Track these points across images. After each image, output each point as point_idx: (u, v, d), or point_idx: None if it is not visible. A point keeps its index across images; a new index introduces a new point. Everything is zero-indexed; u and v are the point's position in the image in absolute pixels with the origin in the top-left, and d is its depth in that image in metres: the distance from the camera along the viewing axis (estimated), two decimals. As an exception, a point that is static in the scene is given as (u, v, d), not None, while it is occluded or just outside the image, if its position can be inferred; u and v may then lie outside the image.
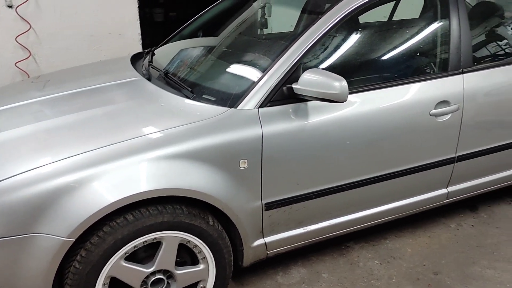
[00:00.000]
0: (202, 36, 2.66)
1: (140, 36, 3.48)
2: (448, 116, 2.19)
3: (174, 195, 1.75)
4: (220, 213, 1.88)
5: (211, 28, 2.67)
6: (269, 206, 1.96)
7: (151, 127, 1.81)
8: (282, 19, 2.63)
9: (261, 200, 1.93)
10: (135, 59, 2.62)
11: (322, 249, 2.45)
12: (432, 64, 2.29)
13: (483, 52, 2.59)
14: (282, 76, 1.91)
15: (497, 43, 2.68)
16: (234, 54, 2.29)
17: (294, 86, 1.90)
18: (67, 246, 1.63)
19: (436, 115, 2.16)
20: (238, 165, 1.84)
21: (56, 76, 2.62)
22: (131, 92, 2.14)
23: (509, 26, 2.81)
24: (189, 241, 1.84)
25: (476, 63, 2.34)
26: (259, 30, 2.52)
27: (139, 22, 3.44)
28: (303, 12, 2.44)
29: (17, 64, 3.21)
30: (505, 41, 2.70)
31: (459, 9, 2.24)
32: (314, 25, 2.01)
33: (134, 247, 1.75)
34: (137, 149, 1.72)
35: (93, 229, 1.68)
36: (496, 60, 2.53)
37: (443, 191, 2.40)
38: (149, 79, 2.22)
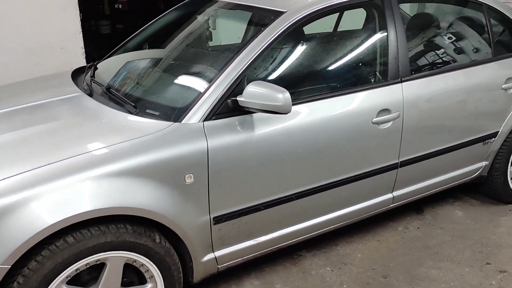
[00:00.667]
0: (147, 49, 2.62)
1: (84, 50, 3.37)
2: (390, 123, 2.27)
3: (117, 214, 1.70)
4: (168, 229, 1.84)
5: (156, 41, 2.64)
6: (218, 219, 1.94)
7: (91, 144, 1.75)
8: (230, 31, 2.64)
9: (209, 214, 1.91)
10: (77, 74, 2.54)
11: (275, 259, 2.46)
12: (373, 73, 2.38)
13: (423, 61, 2.71)
14: (226, 89, 1.91)
15: (435, 52, 2.81)
16: (179, 67, 2.27)
17: (238, 98, 1.90)
18: (1, 274, 1.54)
19: (378, 123, 2.23)
20: (184, 180, 1.81)
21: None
22: (71, 109, 2.07)
23: (446, 36, 2.96)
24: (135, 261, 1.79)
25: (415, 72, 2.45)
26: (204, 42, 2.51)
27: (81, 35, 3.34)
28: (249, 24, 2.46)
29: (-50, 81, 3.03)
30: (443, 50, 2.84)
31: (396, 21, 2.34)
32: (257, 37, 2.04)
33: (76, 270, 1.68)
34: (76, 168, 1.66)
35: (31, 254, 1.60)
36: (434, 68, 2.65)
37: (389, 196, 2.47)
38: (90, 94, 2.16)
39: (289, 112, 1.86)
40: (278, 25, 2.07)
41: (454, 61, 2.74)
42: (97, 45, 3.16)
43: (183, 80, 2.12)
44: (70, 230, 1.65)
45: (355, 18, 2.81)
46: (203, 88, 1.93)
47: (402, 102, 2.30)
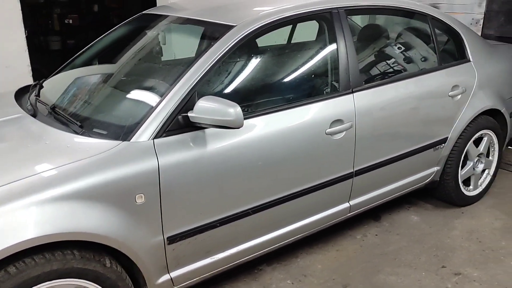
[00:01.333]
0: (95, 65, 2.54)
1: (30, 67, 3.24)
2: (343, 133, 2.29)
3: (64, 239, 1.62)
4: (120, 252, 1.77)
5: (105, 57, 2.56)
6: (172, 239, 1.88)
7: (33, 168, 1.66)
8: (183, 46, 2.61)
9: (163, 234, 1.86)
10: (22, 93, 2.43)
11: (235, 275, 2.42)
12: (325, 85, 2.40)
13: (373, 71, 2.78)
14: (177, 105, 1.87)
15: (385, 62, 2.89)
16: (128, 83, 2.21)
17: (189, 114, 1.87)
18: None
19: (331, 134, 2.25)
20: (134, 201, 1.75)
21: None
22: (12, 132, 1.97)
23: (395, 46, 3.05)
24: (85, 287, 1.71)
25: (365, 82, 2.49)
26: (155, 58, 2.46)
27: (27, 53, 3.21)
28: (201, 38, 2.44)
29: None
30: (392, 60, 2.92)
31: (345, 33, 2.38)
32: (207, 52, 2.01)
33: (21, 302, 1.58)
34: (17, 193, 1.57)
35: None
36: (385, 78, 2.72)
37: (346, 205, 2.49)
38: (34, 115, 2.06)
39: (241, 126, 1.84)
40: (228, 39, 2.05)
41: (404, 70, 2.82)
42: (47, 62, 3.03)
43: (132, 97, 2.06)
44: (12, 260, 1.55)
45: (310, 30, 2.85)
46: (152, 105, 1.89)
47: (354, 112, 2.33)
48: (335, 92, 2.33)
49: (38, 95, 2.29)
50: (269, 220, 2.19)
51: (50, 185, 1.61)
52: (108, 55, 2.58)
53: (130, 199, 1.74)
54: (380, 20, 3.37)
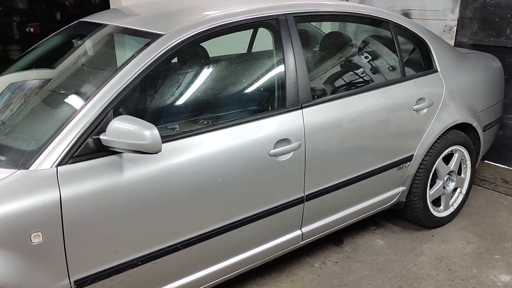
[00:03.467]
0: (16, 77, 2.28)
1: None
2: (290, 154, 2.05)
3: None
4: (17, 300, 1.50)
5: (29, 69, 2.31)
6: (81, 283, 1.62)
7: None
8: (118, 57, 2.36)
9: (69, 278, 1.59)
10: None
11: (174, 314, 2.15)
12: (270, 101, 2.16)
13: (330, 83, 2.54)
14: (87, 126, 1.62)
15: (347, 73, 2.66)
16: (43, 100, 1.95)
17: (101, 137, 1.62)
18: None
19: (276, 155, 2.01)
20: (30, 240, 1.49)
21: None
22: None
23: (362, 55, 2.83)
24: None
25: (319, 96, 2.26)
26: (79, 72, 2.21)
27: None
28: (133, 49, 2.18)
29: None
30: (355, 70, 2.69)
31: (293, 43, 2.14)
32: (128, 64, 1.77)
33: None
34: None
35: None
36: (343, 90, 2.49)
37: (297, 232, 2.25)
38: None
39: (159, 151, 1.60)
40: (154, 50, 1.81)
41: (366, 82, 2.59)
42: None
43: (41, 116, 1.81)
44: None
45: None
46: (60, 126, 1.63)
47: (303, 130, 2.09)
48: (282, 108, 2.09)
49: None
50: (205, 254, 1.93)
51: None
52: (39, 65, 2.32)
53: (25, 238, 1.48)
54: (348, 27, 3.16)
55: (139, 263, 1.74)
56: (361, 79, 2.59)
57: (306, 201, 2.18)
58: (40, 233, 1.50)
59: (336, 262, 2.56)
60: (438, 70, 2.71)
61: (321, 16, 2.46)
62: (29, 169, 1.54)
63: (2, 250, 1.45)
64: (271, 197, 2.06)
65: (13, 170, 1.53)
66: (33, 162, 1.55)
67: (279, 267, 2.49)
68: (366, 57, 2.78)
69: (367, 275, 2.45)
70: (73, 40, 2.28)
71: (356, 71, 2.63)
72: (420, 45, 2.74)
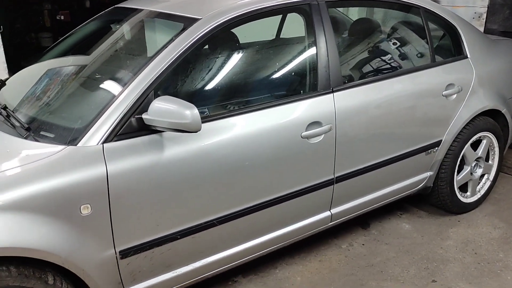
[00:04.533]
0: (59, 61, 2.38)
1: (6, 65, 3.11)
2: (321, 137, 2.10)
3: (-3, 255, 1.47)
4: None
5: (72, 53, 2.41)
6: (125, 253, 1.72)
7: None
8: (156, 41, 2.44)
9: (114, 248, 1.70)
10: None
11: (208, 287, 2.25)
12: (302, 84, 2.21)
13: (360, 68, 2.58)
14: (130, 106, 1.71)
15: (377, 59, 2.68)
16: (86, 82, 2.04)
17: (144, 116, 1.70)
18: None
19: (308, 137, 2.07)
20: (80, 212, 1.59)
21: None
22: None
23: (389, 41, 2.84)
24: (24, 307, 1.56)
25: (350, 80, 2.30)
26: (119, 55, 2.30)
27: (2, 49, 3.07)
28: (170, 33, 2.26)
29: None
30: (382, 56, 2.71)
31: (325, 27, 2.18)
32: (167, 48, 1.84)
33: None
34: None
35: None
36: (373, 75, 2.52)
37: (327, 213, 2.31)
38: (-16, 116, 1.92)
39: (199, 130, 1.67)
40: (191, 34, 1.88)
41: (396, 67, 2.61)
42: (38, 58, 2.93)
43: (86, 97, 1.91)
44: None
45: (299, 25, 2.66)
46: (104, 106, 1.72)
47: (334, 113, 2.14)
48: (313, 91, 2.14)
49: (-5, 94, 2.15)
50: (239, 231, 2.02)
51: (-19, 195, 1.46)
52: (75, 51, 2.42)
53: (75, 210, 1.58)
54: (376, 14, 3.17)
55: (178, 237, 1.83)
56: (390, 65, 2.61)
57: (336, 183, 2.23)
58: (88, 205, 1.60)
59: (363, 244, 2.61)
60: (468, 56, 2.71)
61: (353, 1, 2.49)
62: (77, 145, 1.64)
63: (55, 220, 1.55)
64: (302, 178, 2.12)
65: (62, 146, 1.63)
66: (81, 139, 1.65)
67: (307, 248, 2.56)
68: (394, 43, 2.80)
69: (393, 257, 2.50)
70: (111, 25, 2.36)
71: (385, 57, 2.65)
72: (450, 31, 2.74)
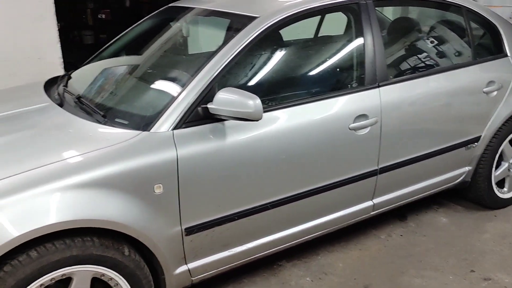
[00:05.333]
0: (122, 56, 2.57)
1: (62, 60, 3.32)
2: (367, 129, 2.22)
3: (83, 226, 1.64)
4: (139, 241, 1.78)
5: (131, 49, 2.59)
6: (190, 230, 1.88)
7: (56, 156, 1.69)
8: (207, 38, 2.60)
9: (181, 225, 1.86)
10: (51, 84, 2.49)
11: (254, 270, 2.40)
12: (350, 79, 2.34)
13: (403, 65, 2.69)
14: (196, 96, 1.87)
15: (416, 56, 2.79)
16: (151, 75, 2.22)
17: (209, 106, 1.86)
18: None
19: (355, 129, 2.19)
20: (153, 190, 1.76)
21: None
22: (38, 120, 2.01)
23: (427, 39, 2.94)
24: (103, 274, 1.73)
25: (394, 76, 2.41)
26: (178, 50, 2.47)
27: (59, 45, 3.29)
28: (226, 30, 2.42)
29: None
30: (424, 54, 2.81)
31: (372, 25, 2.31)
32: (229, 43, 2.00)
33: (41, 285, 1.62)
34: (39, 180, 1.61)
35: (-9, 270, 1.54)
36: (415, 72, 2.62)
37: (369, 203, 2.42)
38: (60, 104, 2.11)
39: (260, 119, 1.82)
40: (250, 31, 2.03)
41: (436, 65, 2.71)
42: (80, 55, 3.11)
43: (154, 88, 2.07)
44: (33, 244, 1.59)
45: (338, 24, 2.78)
46: (173, 96, 1.89)
47: (380, 107, 2.26)
48: (360, 86, 2.26)
49: (66, 85, 2.34)
50: (288, 215, 2.15)
51: (71, 173, 1.64)
52: (134, 47, 2.60)
53: (149, 189, 1.75)
54: (413, 13, 3.26)
55: (236, 218, 1.98)
56: (434, 62, 2.71)
57: (379, 173, 2.35)
58: (161, 185, 1.77)
59: (401, 235, 2.72)
60: (508, 54, 2.79)
61: (399, 0, 2.60)
62: (150, 131, 1.81)
63: (132, 197, 1.72)
64: (348, 168, 2.25)
65: (137, 132, 1.80)
66: (153, 125, 1.82)
67: (346, 237, 2.68)
68: (437, 41, 2.89)
69: (432, 248, 2.59)
70: (172, 23, 2.53)
71: (430, 54, 2.75)
72: (490, 30, 2.82)
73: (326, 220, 2.30)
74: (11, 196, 1.57)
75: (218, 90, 1.87)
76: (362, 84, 2.27)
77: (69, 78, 2.47)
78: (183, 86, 1.91)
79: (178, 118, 1.83)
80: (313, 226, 2.28)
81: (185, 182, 1.81)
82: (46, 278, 1.62)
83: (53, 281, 1.65)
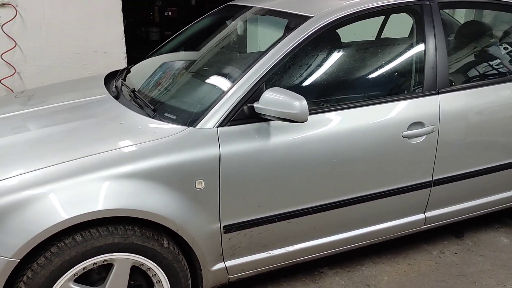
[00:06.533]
0: (179, 53, 2.64)
1: (125, 54, 3.49)
2: (422, 138, 2.10)
3: (126, 215, 1.70)
4: (178, 235, 1.81)
5: (187, 46, 2.65)
6: (229, 228, 1.89)
7: (106, 146, 1.76)
8: (266, 37, 2.60)
9: (220, 223, 1.87)
10: (111, 77, 2.61)
11: (294, 274, 2.36)
12: (407, 84, 2.22)
13: (469, 72, 2.52)
14: (243, 95, 1.86)
15: (487, 63, 2.60)
16: (203, 72, 2.25)
17: (255, 105, 1.85)
18: (11, 267, 1.59)
19: (409, 137, 2.08)
20: (194, 186, 1.78)
21: (34, 92, 2.61)
22: (94, 111, 2.11)
23: (502, 45, 2.73)
24: (142, 264, 1.78)
25: (457, 83, 2.26)
26: (232, 48, 2.48)
27: (124, 40, 3.45)
28: (281, 29, 2.40)
29: (2, 81, 3.24)
30: (494, 60, 2.62)
31: (435, 28, 2.18)
32: (280, 43, 1.97)
33: (84, 269, 1.70)
34: (87, 168, 1.68)
35: (40, 250, 1.63)
36: (481, 79, 2.45)
37: (420, 216, 2.29)
38: (116, 97, 2.20)
39: (305, 121, 1.78)
40: (303, 31, 1.99)
41: (508, 72, 2.51)
42: (146, 51, 3.26)
43: (204, 85, 2.10)
44: (79, 228, 1.67)
45: (403, 26, 2.66)
46: (219, 95, 1.90)
47: (438, 115, 2.13)
48: (418, 92, 2.14)
49: (124, 79, 2.44)
50: (331, 222, 2.09)
51: (118, 163, 1.70)
52: (191, 44, 2.66)
53: (190, 184, 1.78)
54: (485, 17, 3.04)
55: (276, 219, 1.95)
56: (506, 69, 2.50)
57: (433, 185, 2.21)
58: (202, 181, 1.79)
59: (455, 253, 2.54)
60: None
61: (467, 3, 2.44)
62: (196, 127, 1.83)
63: (174, 191, 1.75)
64: (399, 177, 2.14)
65: (183, 127, 1.83)
66: (199, 122, 1.84)
67: (395, 250, 2.55)
68: (505, 48, 2.68)
69: (488, 269, 2.40)
70: (225, 21, 2.55)
71: (502, 61, 2.55)
72: None
73: (372, 230, 2.21)
74: (63, 180, 1.65)
75: (265, 89, 1.85)
76: (420, 90, 2.15)
77: (128, 72, 2.58)
78: (230, 84, 1.91)
79: (224, 116, 1.84)
80: (358, 235, 2.19)
81: (226, 180, 1.82)
82: (88, 262, 1.69)
83: (95, 266, 1.72)
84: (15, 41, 3.19)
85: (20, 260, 1.60)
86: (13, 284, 1.66)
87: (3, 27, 3.15)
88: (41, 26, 3.23)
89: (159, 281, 1.83)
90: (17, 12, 3.15)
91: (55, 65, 3.32)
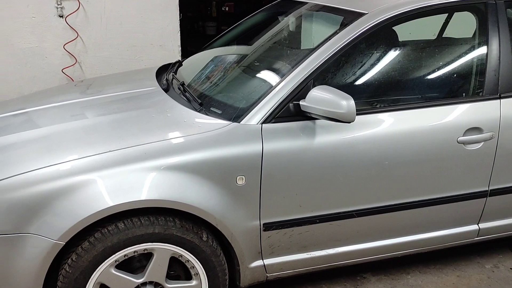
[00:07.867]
0: (231, 48, 2.64)
1: (180, 48, 3.56)
2: (480, 144, 1.97)
3: (167, 207, 1.73)
4: (217, 229, 1.82)
5: (239, 41, 2.65)
6: (268, 226, 1.87)
7: (152, 137, 1.80)
8: (320, 33, 2.54)
9: (260, 220, 1.85)
10: (163, 70, 2.66)
11: (335, 277, 2.30)
12: (465, 87, 2.09)
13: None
14: (289, 92, 1.83)
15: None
16: (251, 68, 2.24)
17: (301, 103, 1.81)
18: (57, 249, 1.66)
19: (464, 143, 1.96)
20: (235, 182, 1.78)
21: (93, 81, 2.73)
22: (143, 103, 2.16)
23: None
24: (181, 255, 1.81)
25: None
26: (283, 44, 2.45)
27: (179, 34, 3.52)
28: (334, 26, 2.34)
29: (63, 70, 3.41)
30: None
31: (500, 28, 2.02)
32: (330, 40, 1.92)
33: (125, 256, 1.75)
34: (133, 158, 1.72)
35: (85, 235, 1.70)
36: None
37: (473, 227, 2.15)
38: (166, 90, 2.24)
39: (352, 121, 1.72)
40: (356, 28, 1.92)
41: None
42: (201, 45, 3.32)
43: (251, 81, 2.09)
44: (122, 216, 1.71)
45: (466, 24, 2.51)
46: (266, 90, 1.88)
47: (499, 121, 1.98)
48: (477, 96, 2.01)
49: (175, 72, 2.48)
50: (376, 227, 2.02)
51: (161, 155, 1.73)
52: (243, 39, 2.66)
53: (232, 179, 1.77)
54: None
55: (317, 220, 1.91)
56: None
57: (489, 195, 2.07)
58: (243, 177, 1.78)
59: (510, 268, 2.37)
60: None
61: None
62: (240, 123, 1.82)
63: (215, 185, 1.76)
64: (452, 184, 2.02)
65: (228, 122, 1.83)
66: (244, 117, 1.83)
67: (444, 260, 2.43)
68: None
69: (548, 290, 2.23)
70: (278, 17, 2.52)
71: None
72: None
73: (420, 238, 2.11)
74: (110, 168, 1.70)
75: (312, 87, 1.81)
76: (480, 94, 2.01)
77: (180, 65, 2.62)
78: (277, 81, 1.88)
79: (269, 113, 1.82)
80: (405, 243, 2.10)
81: (267, 177, 1.80)
82: (129, 250, 1.74)
83: (136, 254, 1.77)
84: (77, 33, 3.36)
85: (65, 243, 1.67)
86: (58, 267, 1.74)
87: (66, 19, 3.31)
88: (102, 19, 3.36)
89: (197, 274, 1.86)
90: (80, 5, 3.31)
91: (113, 56, 3.45)
